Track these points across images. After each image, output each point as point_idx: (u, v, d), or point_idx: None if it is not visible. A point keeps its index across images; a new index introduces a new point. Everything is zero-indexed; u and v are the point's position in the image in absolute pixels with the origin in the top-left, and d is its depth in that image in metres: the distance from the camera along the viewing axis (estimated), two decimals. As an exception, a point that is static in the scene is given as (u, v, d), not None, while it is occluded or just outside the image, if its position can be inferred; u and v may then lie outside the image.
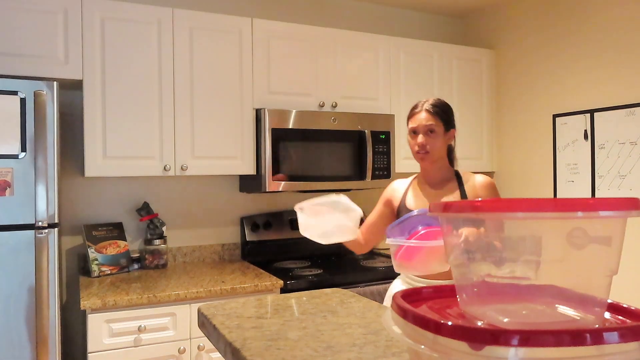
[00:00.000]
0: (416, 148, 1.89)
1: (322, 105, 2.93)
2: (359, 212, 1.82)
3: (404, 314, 0.50)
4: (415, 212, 1.47)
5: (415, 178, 2.03)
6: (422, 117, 1.88)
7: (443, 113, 1.89)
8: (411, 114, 1.93)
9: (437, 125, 1.87)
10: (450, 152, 1.97)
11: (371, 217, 2.08)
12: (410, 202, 1.94)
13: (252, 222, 3.07)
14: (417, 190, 1.96)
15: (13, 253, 2.06)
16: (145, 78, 2.56)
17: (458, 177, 1.93)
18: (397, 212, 1.98)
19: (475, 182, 1.89)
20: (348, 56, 3.04)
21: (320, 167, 2.83)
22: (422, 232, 1.43)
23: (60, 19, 2.39)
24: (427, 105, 1.89)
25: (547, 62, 3.27)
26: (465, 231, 1.03)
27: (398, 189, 2.03)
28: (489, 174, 3.68)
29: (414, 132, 1.90)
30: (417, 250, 1.41)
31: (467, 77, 3.48)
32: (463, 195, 1.91)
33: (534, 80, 3.36)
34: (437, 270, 1.46)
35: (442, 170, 1.94)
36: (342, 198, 1.81)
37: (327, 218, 1.79)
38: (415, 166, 3.28)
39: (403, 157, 3.19)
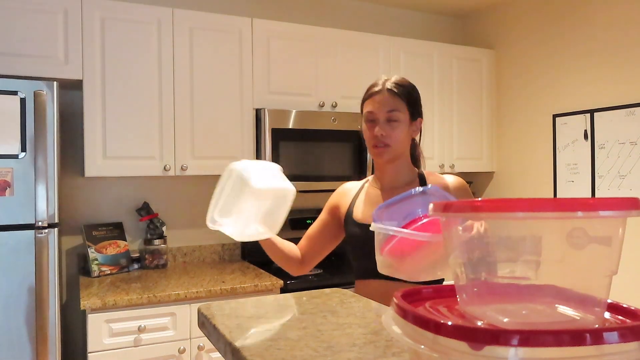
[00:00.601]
0: (373, 140, 1.47)
1: (322, 105, 2.93)
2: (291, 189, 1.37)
3: (404, 314, 0.50)
4: (416, 190, 1.12)
5: (368, 181, 1.62)
6: (383, 100, 1.45)
7: (410, 96, 1.48)
8: (368, 95, 1.50)
9: (402, 111, 1.45)
10: (414, 149, 1.58)
11: (312, 228, 1.64)
12: (357, 212, 1.52)
13: (252, 222, 3.07)
14: (369, 195, 1.54)
15: (13, 253, 2.06)
16: (145, 78, 2.56)
17: (422, 180, 1.53)
18: (344, 223, 1.57)
19: (445, 186, 1.51)
20: (348, 56, 3.04)
21: (320, 167, 2.83)
22: (425, 220, 1.06)
23: (60, 19, 2.39)
24: (389, 84, 1.47)
25: (547, 62, 3.27)
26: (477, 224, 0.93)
27: (347, 193, 1.60)
28: (489, 174, 3.68)
29: (370, 120, 1.47)
30: (414, 245, 1.03)
31: (467, 77, 3.48)
32: None
33: (534, 80, 3.36)
34: (430, 277, 1.09)
35: (403, 171, 1.53)
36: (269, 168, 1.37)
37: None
38: (415, 166, 3.29)
39: (403, 157, 3.19)
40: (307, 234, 1.64)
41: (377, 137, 1.45)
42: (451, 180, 1.52)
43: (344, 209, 1.57)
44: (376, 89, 1.49)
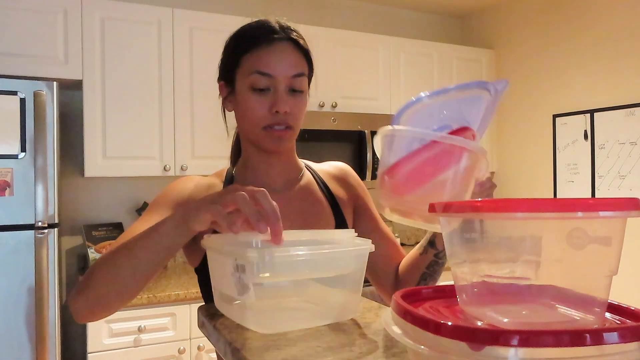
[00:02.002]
0: (267, 119, 0.96)
1: (322, 105, 2.93)
2: None
3: (404, 314, 0.50)
4: (467, 86, 0.82)
5: (223, 178, 1.07)
6: (287, 58, 0.96)
7: (309, 53, 1.02)
8: (256, 41, 0.96)
9: (306, 76, 1.00)
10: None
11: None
12: None
13: (252, 222, 3.07)
14: None
15: (13, 253, 2.06)
16: (145, 78, 2.56)
17: (313, 175, 1.11)
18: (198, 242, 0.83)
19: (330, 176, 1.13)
20: (348, 56, 3.04)
21: (320, 167, 2.83)
22: (454, 129, 0.80)
23: (60, 19, 2.39)
24: (290, 32, 0.99)
25: (547, 62, 3.27)
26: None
27: (200, 192, 1.02)
28: (489, 174, 3.68)
29: (262, 89, 0.95)
30: (445, 162, 0.75)
31: (467, 77, 3.48)
32: (340, 216, 1.07)
33: (534, 80, 3.36)
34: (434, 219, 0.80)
35: (292, 164, 1.08)
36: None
37: None
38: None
39: (403, 157, 3.19)
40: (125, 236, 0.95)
41: (279, 114, 0.95)
42: (330, 169, 1.15)
43: None
44: (275, 37, 0.96)
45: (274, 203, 0.71)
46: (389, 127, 0.80)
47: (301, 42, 0.99)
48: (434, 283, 1.06)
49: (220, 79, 1.03)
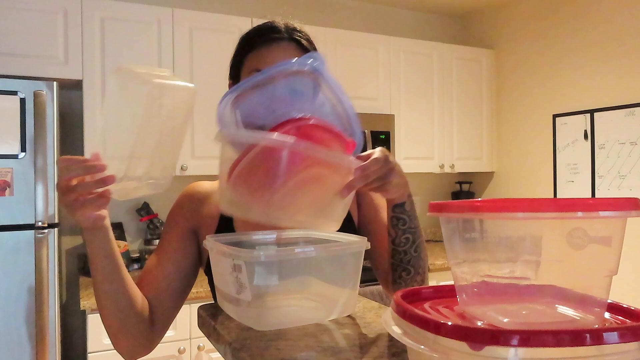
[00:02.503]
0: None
1: (322, 105, 2.93)
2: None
3: (404, 314, 0.50)
4: (299, 64, 0.76)
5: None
6: (286, 56, 0.94)
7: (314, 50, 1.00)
8: (258, 42, 0.96)
9: None
10: None
11: (161, 257, 1.00)
12: (237, 227, 1.02)
13: (252, 222, 3.07)
14: None
15: (13, 253, 2.06)
16: (145, 78, 2.55)
17: None
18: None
19: None
20: (348, 56, 3.04)
21: (320, 167, 2.83)
22: (312, 121, 0.72)
23: (60, 19, 2.39)
24: (293, 32, 0.98)
25: (547, 62, 3.27)
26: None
27: (208, 198, 1.05)
28: (489, 174, 3.68)
29: None
30: (291, 167, 0.68)
31: (467, 77, 3.48)
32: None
33: (534, 80, 3.36)
34: (305, 225, 0.79)
35: None
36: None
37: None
38: (418, 166, 3.29)
39: (404, 157, 3.19)
40: (150, 268, 0.99)
41: None
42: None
43: (209, 225, 1.03)
44: (277, 35, 0.96)
45: (80, 157, 0.74)
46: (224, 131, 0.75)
47: (304, 42, 0.99)
48: (411, 275, 0.96)
49: (229, 77, 1.05)
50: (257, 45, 0.97)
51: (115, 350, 2.25)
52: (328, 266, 0.77)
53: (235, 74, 1.01)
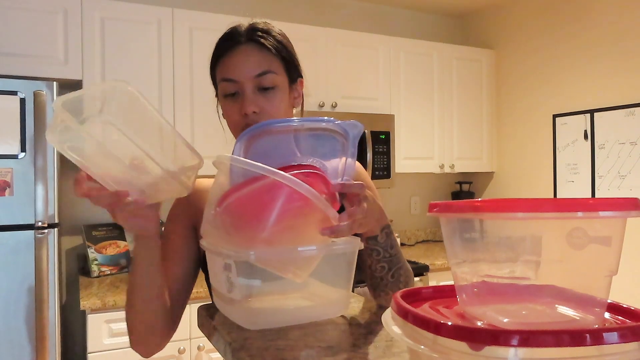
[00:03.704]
0: (241, 122, 0.96)
1: (322, 106, 2.93)
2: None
3: (404, 314, 0.50)
4: (325, 121, 0.76)
5: None
6: (248, 59, 0.97)
7: (284, 49, 1.01)
8: (220, 52, 1.01)
9: (278, 72, 0.98)
10: None
11: (167, 258, 0.98)
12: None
13: (252, 222, 3.07)
14: None
15: (13, 253, 2.06)
16: (145, 78, 2.56)
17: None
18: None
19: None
20: (348, 56, 3.04)
21: (320, 167, 2.83)
22: (302, 171, 0.73)
23: (60, 19, 2.39)
24: (252, 34, 0.98)
25: (547, 62, 3.27)
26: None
27: (207, 194, 0.95)
28: (489, 174, 3.68)
29: (230, 94, 0.99)
30: (293, 203, 0.69)
31: (467, 77, 3.48)
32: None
33: (534, 80, 3.36)
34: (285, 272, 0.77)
35: None
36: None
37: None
38: (418, 166, 3.29)
39: (403, 157, 3.19)
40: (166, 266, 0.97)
41: (248, 116, 0.94)
42: None
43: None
44: (237, 40, 0.97)
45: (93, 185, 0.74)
46: (226, 156, 0.79)
47: (266, 42, 0.97)
48: (390, 296, 0.94)
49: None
50: (221, 56, 1.01)
51: (115, 351, 2.26)
52: (321, 265, 0.78)
53: (213, 82, 1.05)
